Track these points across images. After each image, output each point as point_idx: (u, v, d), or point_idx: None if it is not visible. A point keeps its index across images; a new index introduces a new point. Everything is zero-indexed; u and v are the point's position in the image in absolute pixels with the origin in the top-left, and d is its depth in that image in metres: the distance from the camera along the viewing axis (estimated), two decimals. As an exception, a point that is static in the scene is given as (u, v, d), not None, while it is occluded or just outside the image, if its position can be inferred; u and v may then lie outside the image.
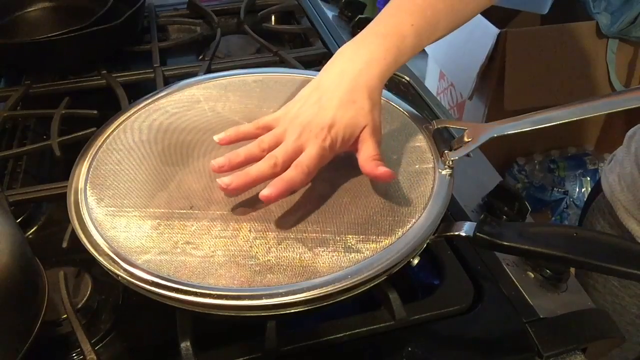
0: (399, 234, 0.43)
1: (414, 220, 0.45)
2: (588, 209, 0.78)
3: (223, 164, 0.45)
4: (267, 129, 0.48)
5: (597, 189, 0.75)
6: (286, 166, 0.44)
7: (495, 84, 1.39)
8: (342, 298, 0.41)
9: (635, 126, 0.70)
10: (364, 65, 0.47)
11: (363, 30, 0.50)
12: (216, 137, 0.48)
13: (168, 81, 0.77)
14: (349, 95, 0.46)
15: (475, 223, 0.44)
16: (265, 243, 0.43)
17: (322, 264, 0.41)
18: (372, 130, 0.47)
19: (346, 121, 0.46)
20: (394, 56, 0.48)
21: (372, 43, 0.48)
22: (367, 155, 0.46)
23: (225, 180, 0.44)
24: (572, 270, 0.53)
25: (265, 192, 0.43)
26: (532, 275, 0.52)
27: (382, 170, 0.45)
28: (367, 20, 0.92)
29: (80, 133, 0.64)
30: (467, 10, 0.52)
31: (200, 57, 0.88)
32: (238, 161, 0.46)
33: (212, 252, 0.42)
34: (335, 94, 0.46)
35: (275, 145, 0.46)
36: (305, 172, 0.44)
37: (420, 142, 0.52)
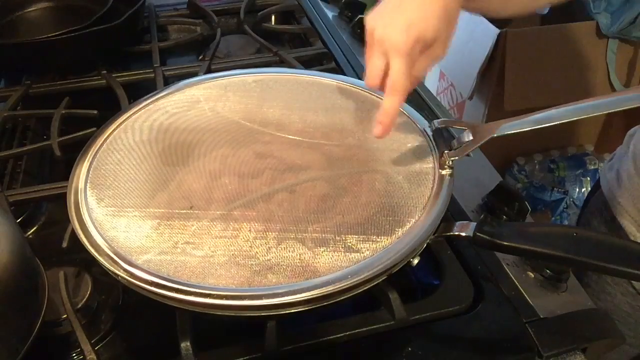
0: (399, 234, 0.43)
1: (414, 220, 0.45)
2: (586, 206, 0.78)
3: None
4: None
5: (596, 187, 0.75)
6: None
7: (495, 84, 1.38)
8: (342, 298, 0.41)
9: (637, 125, 0.70)
10: None
11: None
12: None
13: (168, 81, 0.77)
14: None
15: (475, 223, 0.44)
16: (265, 243, 0.43)
17: (322, 264, 0.41)
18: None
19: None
20: None
21: None
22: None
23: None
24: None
25: (377, 132, 0.48)
26: (532, 275, 0.52)
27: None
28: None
29: (80, 133, 0.64)
30: None
31: (200, 57, 0.88)
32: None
33: (212, 252, 0.42)
34: None
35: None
36: (401, 92, 0.47)
37: (420, 142, 0.52)
